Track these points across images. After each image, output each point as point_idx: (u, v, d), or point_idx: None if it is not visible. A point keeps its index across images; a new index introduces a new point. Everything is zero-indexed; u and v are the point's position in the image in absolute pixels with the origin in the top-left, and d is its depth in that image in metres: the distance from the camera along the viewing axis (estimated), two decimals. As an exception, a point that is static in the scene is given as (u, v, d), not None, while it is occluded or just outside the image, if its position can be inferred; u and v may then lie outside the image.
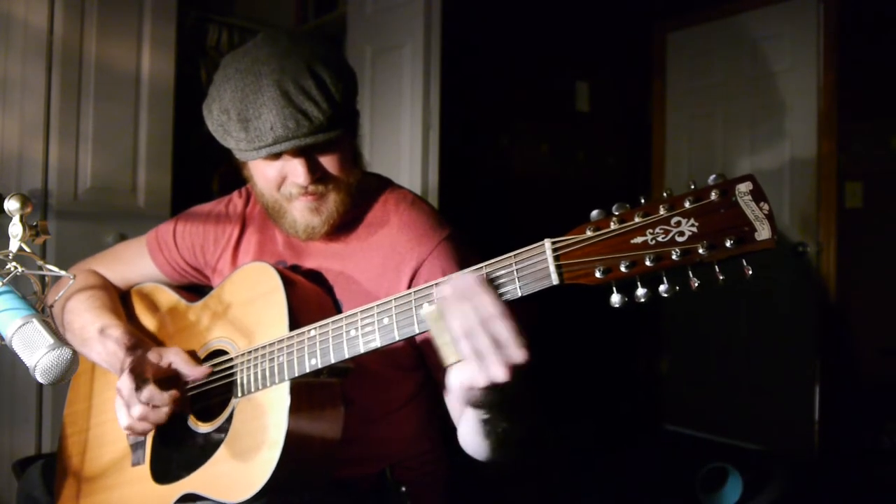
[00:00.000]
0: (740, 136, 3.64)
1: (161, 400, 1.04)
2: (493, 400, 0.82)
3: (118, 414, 1.07)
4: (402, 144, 2.78)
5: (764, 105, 3.54)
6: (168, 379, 1.08)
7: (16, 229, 0.90)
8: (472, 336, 0.76)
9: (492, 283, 0.79)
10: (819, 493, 2.93)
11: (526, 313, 0.81)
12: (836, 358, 3.24)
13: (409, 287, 1.09)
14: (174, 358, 1.08)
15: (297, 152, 1.05)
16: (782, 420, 3.33)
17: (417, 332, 0.87)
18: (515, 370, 0.76)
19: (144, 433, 1.12)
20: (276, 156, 1.06)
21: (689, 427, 3.73)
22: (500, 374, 0.75)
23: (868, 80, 3.16)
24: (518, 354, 0.75)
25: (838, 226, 3.25)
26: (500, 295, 0.78)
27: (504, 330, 0.75)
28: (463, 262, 1.09)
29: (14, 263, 0.89)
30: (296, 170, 1.05)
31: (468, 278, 0.78)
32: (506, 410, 0.87)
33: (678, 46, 3.92)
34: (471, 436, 0.95)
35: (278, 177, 1.08)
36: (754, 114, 3.58)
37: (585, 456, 3.19)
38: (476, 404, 0.84)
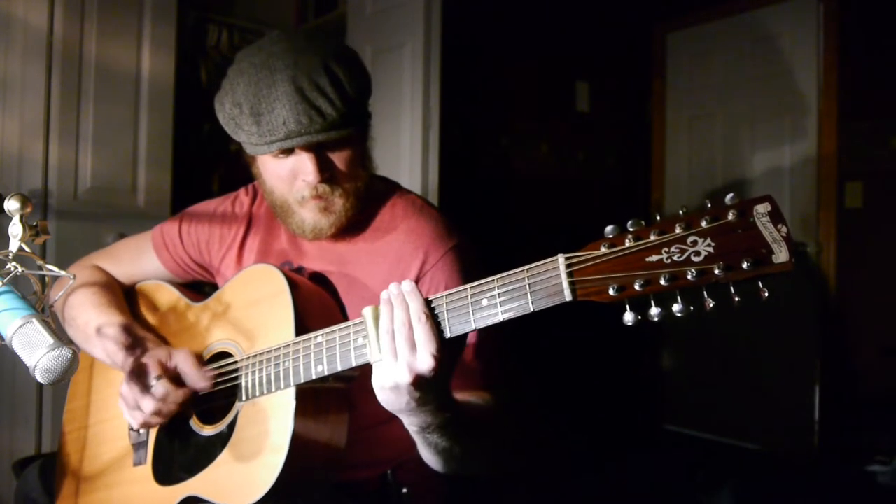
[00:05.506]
0: (740, 136, 3.64)
1: (175, 397, 1.04)
2: (404, 405, 0.84)
3: (127, 414, 1.07)
4: (402, 144, 2.78)
5: (764, 105, 3.54)
6: (176, 377, 1.07)
7: (16, 229, 0.90)
8: (393, 335, 0.82)
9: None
10: (819, 493, 2.93)
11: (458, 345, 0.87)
12: (836, 358, 3.24)
13: None
14: (182, 363, 1.07)
15: (307, 148, 1.04)
16: (782, 420, 3.33)
17: None
18: (420, 379, 0.81)
19: (155, 426, 1.12)
20: (287, 152, 1.06)
21: (689, 427, 3.73)
22: (404, 377, 0.81)
23: (868, 80, 3.16)
24: (425, 363, 0.80)
25: (838, 226, 3.25)
26: (511, 309, 0.80)
27: (421, 335, 0.81)
28: (467, 273, 1.09)
29: (14, 263, 0.89)
30: (306, 166, 1.05)
31: (406, 284, 0.84)
32: (431, 425, 0.88)
33: (678, 46, 3.92)
34: (418, 447, 0.96)
35: (288, 174, 1.08)
36: (754, 114, 3.59)
37: (585, 456, 3.19)
38: (390, 407, 0.86)
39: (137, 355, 1.08)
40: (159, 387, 1.03)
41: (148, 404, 1.03)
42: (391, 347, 0.82)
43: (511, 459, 1.05)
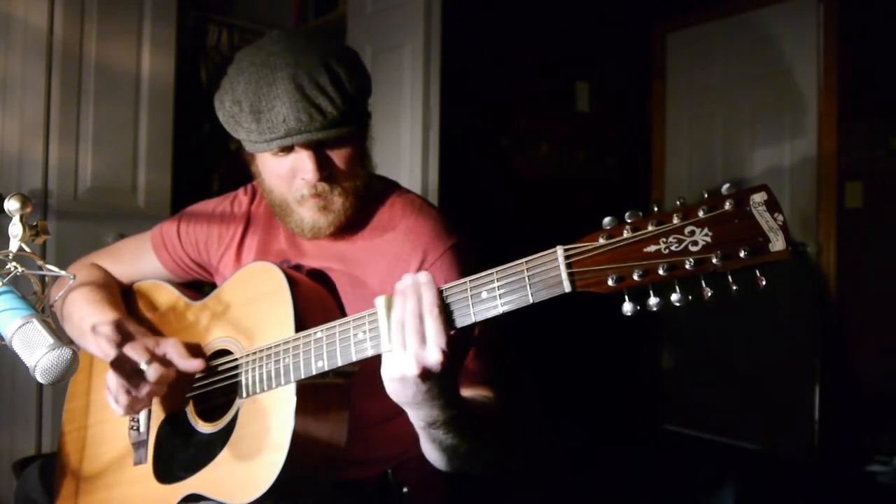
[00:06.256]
0: (740, 136, 3.64)
1: (167, 377, 1.04)
2: (411, 397, 0.84)
3: (111, 398, 1.06)
4: (402, 144, 2.78)
5: (764, 105, 3.54)
6: (164, 364, 1.07)
7: (16, 229, 0.90)
8: (403, 326, 0.81)
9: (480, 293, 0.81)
10: (819, 493, 2.93)
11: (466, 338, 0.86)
12: (836, 358, 3.24)
13: None
14: (170, 349, 1.07)
15: (307, 146, 1.05)
16: (782, 420, 3.33)
17: None
18: (428, 372, 0.80)
19: (141, 409, 1.11)
20: (287, 150, 1.06)
21: (689, 427, 3.73)
22: (411, 369, 0.80)
23: (868, 80, 3.16)
24: (433, 356, 0.80)
25: (838, 226, 3.25)
26: (510, 301, 0.80)
27: (431, 328, 0.80)
28: (466, 272, 1.08)
29: (14, 263, 0.89)
30: (305, 165, 1.05)
31: (422, 275, 0.83)
32: (438, 421, 0.87)
33: (678, 46, 3.92)
34: (421, 442, 0.95)
35: (287, 173, 1.08)
36: (754, 114, 3.59)
37: (585, 456, 3.19)
38: (396, 398, 0.86)
39: (131, 342, 1.08)
40: (151, 370, 1.03)
41: (143, 389, 1.04)
42: (400, 338, 0.82)
43: (513, 458, 1.05)
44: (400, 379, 0.82)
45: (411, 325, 0.81)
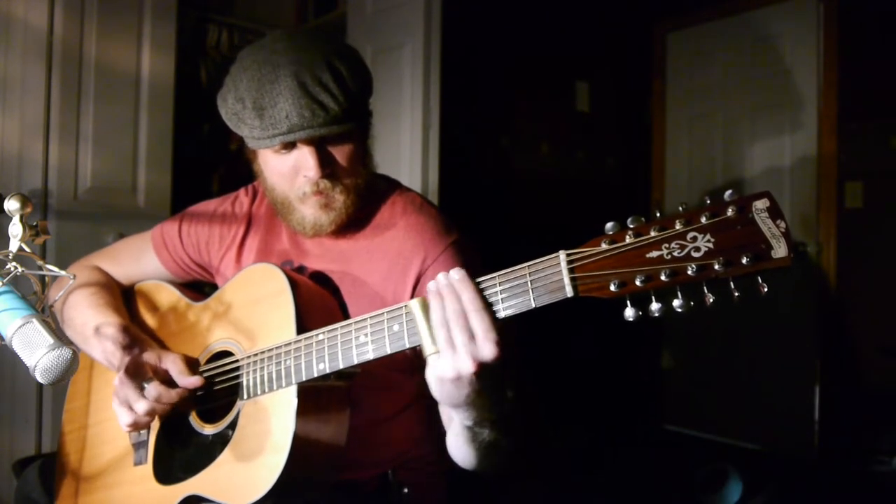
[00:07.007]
0: (740, 135, 3.64)
1: (168, 397, 1.04)
2: (464, 398, 0.83)
3: (118, 412, 1.07)
4: (402, 144, 2.78)
5: (764, 105, 3.54)
6: (168, 379, 1.08)
7: (16, 229, 0.90)
8: (449, 325, 0.80)
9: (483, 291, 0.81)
10: (819, 493, 2.93)
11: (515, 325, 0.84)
12: (836, 358, 3.24)
13: (413, 291, 1.09)
14: (171, 365, 1.07)
15: (309, 143, 1.05)
16: (782, 420, 3.33)
17: None
18: (484, 368, 0.79)
19: (145, 427, 1.12)
20: (289, 147, 1.06)
21: (689, 427, 3.73)
22: (467, 367, 0.79)
23: (868, 80, 3.16)
24: (487, 350, 0.79)
25: (838, 226, 3.25)
26: (512, 306, 0.80)
27: (480, 323, 0.79)
28: (468, 268, 1.09)
29: (14, 263, 0.89)
30: (307, 161, 1.06)
31: (457, 271, 0.82)
32: (486, 419, 0.87)
33: (678, 46, 3.92)
34: (455, 442, 0.95)
35: (290, 170, 1.08)
36: (754, 114, 3.59)
37: (585, 456, 3.19)
38: (449, 401, 0.85)
39: (132, 357, 1.08)
40: (151, 388, 1.04)
41: (141, 405, 1.04)
42: (447, 338, 0.80)
43: (529, 458, 1.05)
44: (454, 379, 0.80)
45: (457, 323, 0.80)
